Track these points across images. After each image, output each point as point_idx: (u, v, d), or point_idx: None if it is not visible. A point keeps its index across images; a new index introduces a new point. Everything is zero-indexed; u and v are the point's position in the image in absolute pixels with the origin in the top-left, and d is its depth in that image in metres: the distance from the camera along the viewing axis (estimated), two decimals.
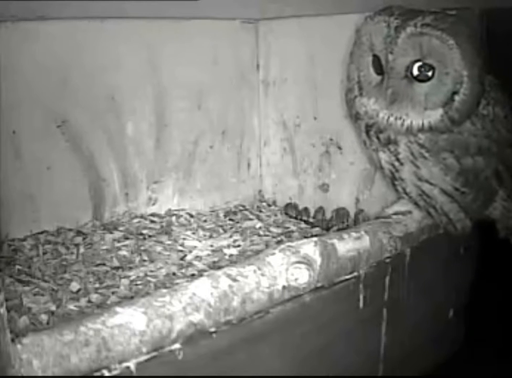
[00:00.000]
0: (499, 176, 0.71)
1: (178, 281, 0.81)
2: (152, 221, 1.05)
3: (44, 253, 0.89)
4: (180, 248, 0.94)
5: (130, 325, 0.48)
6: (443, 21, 0.64)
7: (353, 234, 0.68)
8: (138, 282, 0.81)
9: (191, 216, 1.10)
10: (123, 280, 0.81)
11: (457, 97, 0.65)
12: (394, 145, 0.69)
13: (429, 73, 0.65)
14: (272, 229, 1.05)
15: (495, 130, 0.69)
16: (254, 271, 0.58)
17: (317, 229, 1.08)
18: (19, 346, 0.43)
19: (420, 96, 0.66)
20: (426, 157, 0.68)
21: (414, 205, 0.73)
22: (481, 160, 0.68)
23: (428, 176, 0.69)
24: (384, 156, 0.71)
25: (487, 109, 0.68)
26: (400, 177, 0.71)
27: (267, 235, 1.02)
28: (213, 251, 0.93)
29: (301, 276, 0.60)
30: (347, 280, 0.66)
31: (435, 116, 0.66)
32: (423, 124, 0.66)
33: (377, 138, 0.70)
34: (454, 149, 0.67)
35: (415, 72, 0.65)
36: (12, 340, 0.43)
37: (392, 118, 0.67)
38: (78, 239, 0.95)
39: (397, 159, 0.70)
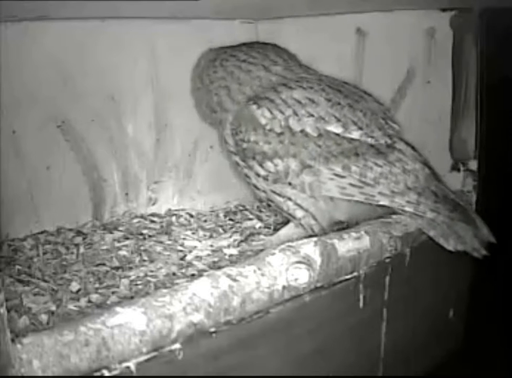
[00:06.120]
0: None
1: (178, 281, 0.80)
2: (152, 221, 1.05)
3: (44, 253, 0.89)
4: (180, 248, 0.94)
5: (130, 325, 0.49)
6: None
7: (353, 234, 0.68)
8: (138, 282, 0.81)
9: (191, 216, 1.09)
10: (123, 280, 0.81)
11: None
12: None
13: None
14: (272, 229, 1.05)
15: (278, 136, 0.74)
16: (254, 271, 0.58)
17: None
18: (19, 346, 0.44)
19: None
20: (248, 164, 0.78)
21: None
22: (280, 163, 0.74)
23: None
24: None
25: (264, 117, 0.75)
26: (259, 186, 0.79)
27: (267, 236, 1.01)
28: (213, 251, 0.93)
29: (301, 276, 0.60)
30: (347, 280, 0.66)
31: None
32: None
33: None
34: (254, 155, 0.76)
35: None
36: (12, 340, 0.43)
37: None
38: (78, 239, 0.95)
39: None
